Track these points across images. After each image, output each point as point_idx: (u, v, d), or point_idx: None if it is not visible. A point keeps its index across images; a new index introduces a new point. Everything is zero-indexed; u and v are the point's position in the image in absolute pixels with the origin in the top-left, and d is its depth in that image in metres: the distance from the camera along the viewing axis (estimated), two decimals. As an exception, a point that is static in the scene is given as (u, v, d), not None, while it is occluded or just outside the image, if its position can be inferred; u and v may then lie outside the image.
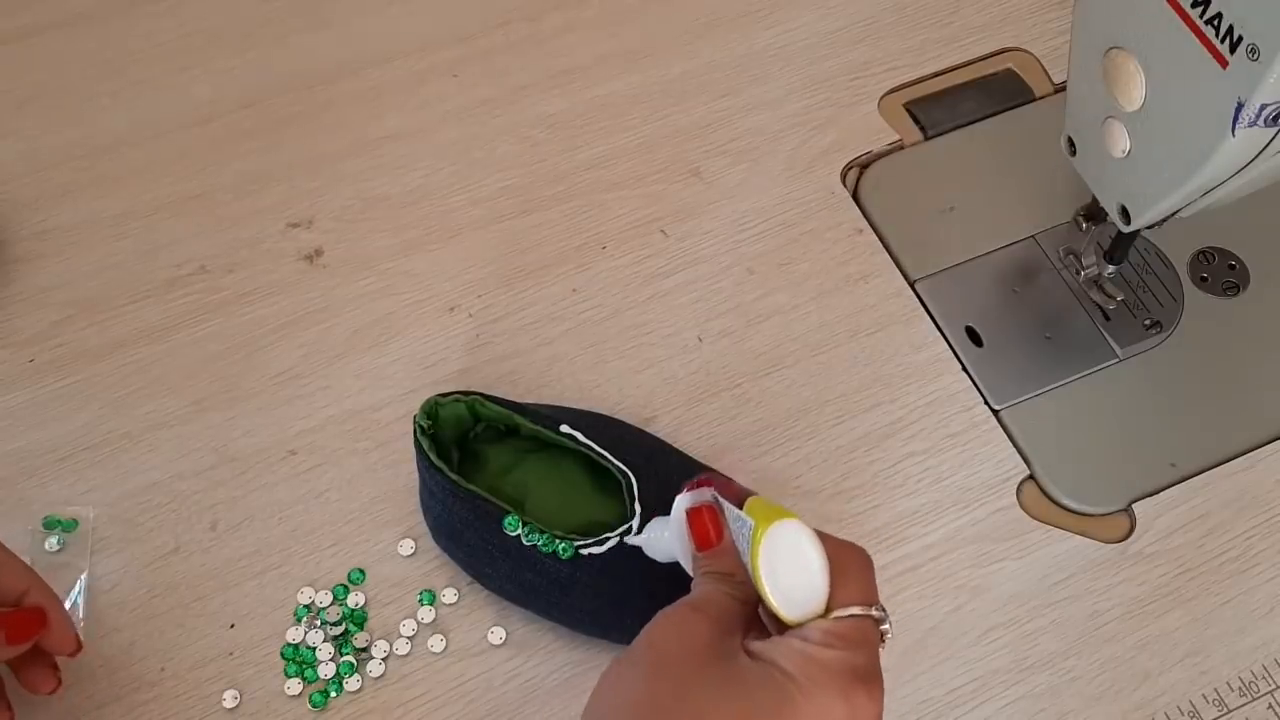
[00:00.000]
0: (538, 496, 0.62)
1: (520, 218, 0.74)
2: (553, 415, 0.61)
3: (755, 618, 0.48)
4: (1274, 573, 0.63)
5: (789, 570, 0.46)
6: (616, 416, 0.65)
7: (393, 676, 0.60)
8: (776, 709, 0.44)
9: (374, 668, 0.60)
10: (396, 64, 0.79)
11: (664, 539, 0.53)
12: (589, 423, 0.61)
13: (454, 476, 0.58)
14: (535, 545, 0.57)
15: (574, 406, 0.65)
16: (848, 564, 0.47)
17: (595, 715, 0.46)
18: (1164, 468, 0.66)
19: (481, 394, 0.61)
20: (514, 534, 0.58)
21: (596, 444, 0.60)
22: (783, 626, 0.46)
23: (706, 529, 0.50)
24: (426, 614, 0.62)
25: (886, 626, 0.46)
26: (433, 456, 0.59)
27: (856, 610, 0.46)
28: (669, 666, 0.45)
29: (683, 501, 0.51)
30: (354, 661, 0.60)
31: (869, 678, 0.45)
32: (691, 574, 0.50)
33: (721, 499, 0.50)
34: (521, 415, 0.61)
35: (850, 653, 0.45)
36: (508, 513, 0.58)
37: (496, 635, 0.61)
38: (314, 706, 0.59)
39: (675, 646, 0.46)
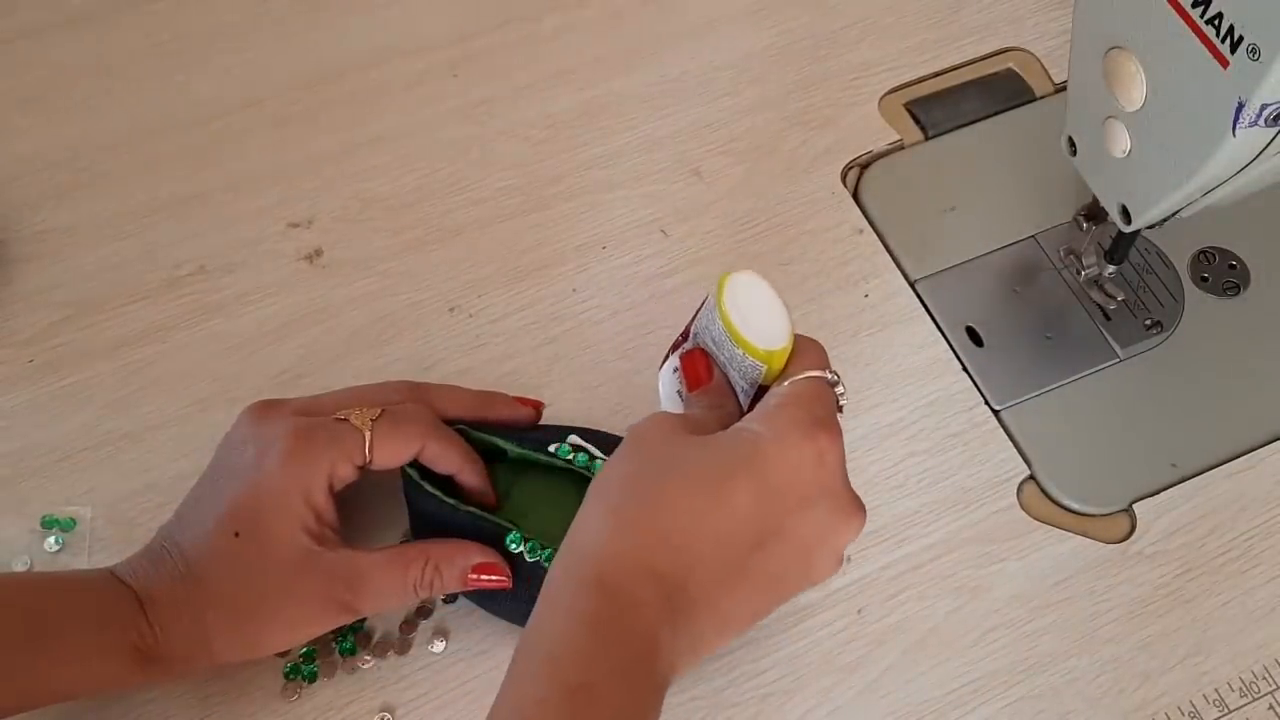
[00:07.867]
0: (535, 518, 0.60)
1: (520, 218, 0.73)
2: (539, 437, 0.60)
3: None
4: (1274, 573, 0.63)
5: (751, 309, 0.52)
6: (605, 425, 0.63)
7: (392, 677, 0.60)
8: (748, 458, 0.49)
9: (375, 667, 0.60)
10: (396, 64, 0.79)
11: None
12: (580, 437, 0.61)
13: (450, 500, 0.58)
14: (539, 561, 0.57)
15: (560, 424, 0.63)
16: (803, 344, 0.53)
17: (597, 497, 0.50)
18: (1164, 468, 0.66)
19: (465, 422, 0.60)
20: (517, 551, 0.57)
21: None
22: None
23: (698, 371, 0.55)
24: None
25: (841, 389, 0.52)
26: (427, 485, 0.58)
27: (812, 373, 0.52)
28: (650, 444, 0.51)
29: (672, 361, 0.56)
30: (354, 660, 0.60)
31: (829, 425, 0.50)
32: None
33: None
34: (506, 440, 0.60)
35: (810, 406, 0.50)
36: (509, 530, 0.57)
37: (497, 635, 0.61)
38: (314, 707, 0.59)
39: (656, 433, 0.51)
